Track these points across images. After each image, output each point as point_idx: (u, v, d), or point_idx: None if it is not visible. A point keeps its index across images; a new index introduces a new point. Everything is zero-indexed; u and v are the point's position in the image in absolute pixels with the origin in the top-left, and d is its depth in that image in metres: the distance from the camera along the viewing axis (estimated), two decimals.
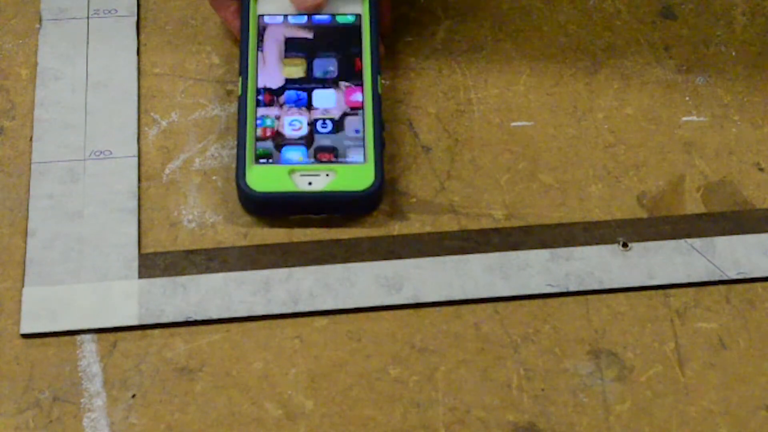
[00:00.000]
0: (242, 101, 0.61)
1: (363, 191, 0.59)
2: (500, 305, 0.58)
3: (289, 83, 0.62)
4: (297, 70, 0.63)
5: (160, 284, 0.58)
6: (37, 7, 0.68)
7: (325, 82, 0.62)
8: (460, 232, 0.60)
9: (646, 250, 0.60)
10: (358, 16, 0.64)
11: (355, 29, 0.64)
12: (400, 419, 0.55)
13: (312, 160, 0.60)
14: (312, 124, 0.61)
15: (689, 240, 0.60)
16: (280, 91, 0.62)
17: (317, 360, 0.56)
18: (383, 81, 0.65)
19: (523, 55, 0.67)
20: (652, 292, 0.59)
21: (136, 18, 0.68)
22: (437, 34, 0.68)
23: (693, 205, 0.62)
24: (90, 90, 0.65)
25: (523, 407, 0.55)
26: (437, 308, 0.58)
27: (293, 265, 0.59)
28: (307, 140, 0.60)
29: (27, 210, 0.60)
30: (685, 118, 0.65)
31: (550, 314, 0.58)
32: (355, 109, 0.61)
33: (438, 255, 0.59)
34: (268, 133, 0.61)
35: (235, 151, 0.62)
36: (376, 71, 0.62)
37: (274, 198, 0.59)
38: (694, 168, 0.63)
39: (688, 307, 0.58)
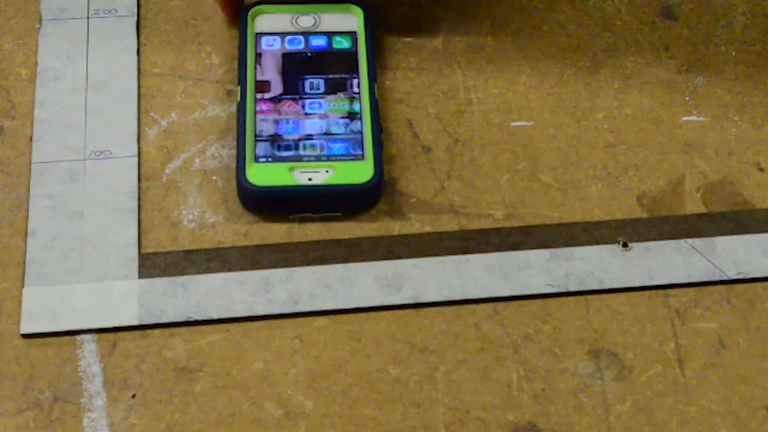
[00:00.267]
0: (241, 106, 0.62)
1: (363, 184, 0.59)
2: (500, 305, 0.58)
3: (288, 91, 0.63)
4: (296, 83, 0.63)
5: (160, 284, 0.58)
6: (37, 7, 0.68)
7: (323, 90, 0.63)
8: (460, 232, 0.60)
9: (646, 250, 0.60)
10: (354, 40, 0.65)
11: (351, 54, 0.65)
12: (400, 419, 0.55)
13: (311, 158, 0.60)
14: (310, 126, 0.62)
15: (689, 240, 0.60)
16: (278, 98, 0.62)
17: (317, 360, 0.56)
18: (385, 82, 0.65)
19: (523, 55, 0.67)
20: (652, 292, 0.59)
21: (136, 18, 0.68)
22: (437, 34, 0.68)
23: (693, 205, 0.62)
24: (90, 90, 0.65)
25: (523, 407, 0.55)
26: (437, 308, 0.58)
27: (293, 265, 0.59)
28: (307, 141, 0.61)
29: (27, 210, 0.60)
30: (685, 118, 0.65)
31: (550, 314, 0.58)
32: (353, 114, 0.62)
33: (438, 255, 0.59)
34: (268, 135, 0.61)
35: (234, 151, 0.62)
36: (372, 80, 0.63)
37: (274, 192, 0.59)
38: (694, 168, 0.63)
39: (688, 307, 0.58)
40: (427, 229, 0.60)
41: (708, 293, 0.59)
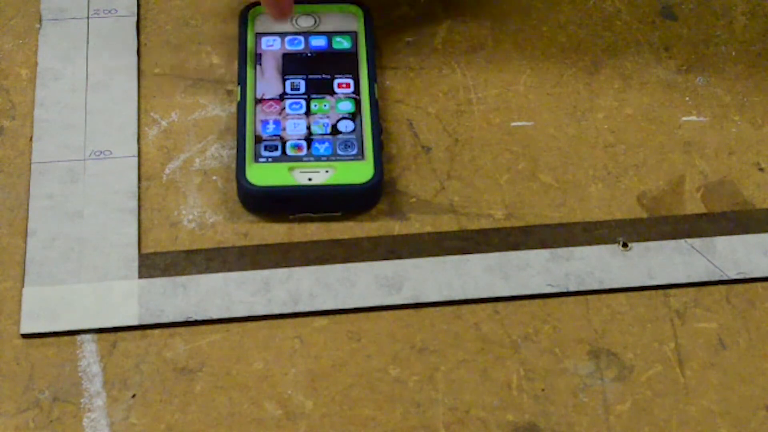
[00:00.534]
0: (241, 106, 0.62)
1: (362, 184, 0.59)
2: (500, 305, 0.58)
3: (288, 91, 0.63)
4: (295, 83, 0.63)
5: (160, 284, 0.58)
6: (37, 7, 0.68)
7: (323, 91, 0.63)
8: (460, 232, 0.60)
9: (646, 250, 0.60)
10: (354, 41, 0.65)
11: (351, 55, 0.65)
12: (400, 419, 0.55)
13: (311, 158, 0.60)
14: (310, 126, 0.61)
15: (689, 240, 0.60)
16: (278, 99, 0.63)
17: (317, 360, 0.56)
18: (385, 82, 0.65)
19: (523, 55, 0.67)
20: (652, 292, 0.59)
21: (136, 18, 0.68)
22: (437, 34, 0.68)
23: (693, 205, 0.62)
24: (90, 90, 0.65)
25: (523, 407, 0.55)
26: (437, 308, 0.58)
27: (293, 265, 0.59)
28: (307, 142, 0.61)
29: (27, 210, 0.60)
30: (685, 118, 0.65)
31: (550, 314, 0.58)
32: (353, 114, 0.62)
33: (438, 255, 0.59)
34: (268, 135, 0.61)
35: (234, 151, 0.62)
36: (372, 80, 0.63)
37: (274, 192, 0.59)
38: (694, 168, 0.63)
39: (688, 307, 0.58)
40: (427, 229, 0.60)
41: (708, 293, 0.59)
